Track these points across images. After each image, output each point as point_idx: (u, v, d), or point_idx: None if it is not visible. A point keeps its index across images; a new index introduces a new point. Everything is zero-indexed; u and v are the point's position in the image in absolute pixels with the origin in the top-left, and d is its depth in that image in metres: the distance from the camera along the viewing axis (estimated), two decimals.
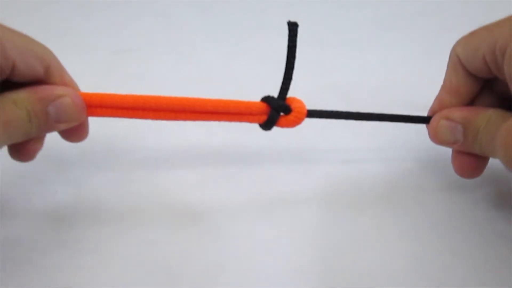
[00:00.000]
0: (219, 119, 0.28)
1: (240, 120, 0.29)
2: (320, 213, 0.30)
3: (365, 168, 0.33)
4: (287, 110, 0.29)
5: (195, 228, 0.29)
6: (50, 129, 0.26)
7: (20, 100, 0.24)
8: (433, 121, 0.28)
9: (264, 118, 0.29)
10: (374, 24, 0.46)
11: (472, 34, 0.26)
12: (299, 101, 0.29)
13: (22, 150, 0.26)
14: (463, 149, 0.27)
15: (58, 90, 0.25)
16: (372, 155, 0.34)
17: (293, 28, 0.27)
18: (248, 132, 0.32)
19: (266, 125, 0.29)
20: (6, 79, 0.24)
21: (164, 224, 0.29)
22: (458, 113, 0.27)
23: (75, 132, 0.27)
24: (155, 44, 0.44)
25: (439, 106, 0.29)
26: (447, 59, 0.28)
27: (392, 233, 0.29)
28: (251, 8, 0.48)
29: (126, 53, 0.44)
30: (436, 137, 0.28)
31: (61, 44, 0.42)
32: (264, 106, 0.29)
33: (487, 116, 0.26)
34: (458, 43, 0.27)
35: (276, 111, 0.28)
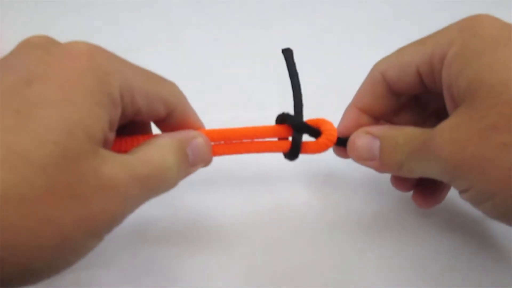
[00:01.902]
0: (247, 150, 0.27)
1: (268, 150, 0.27)
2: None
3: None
4: (317, 133, 0.26)
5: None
6: (185, 175, 0.24)
7: (166, 145, 0.23)
8: (353, 137, 0.27)
9: (287, 144, 0.27)
10: (374, 24, 0.46)
11: (400, 51, 0.26)
12: (329, 123, 0.27)
13: None
14: (380, 167, 0.26)
15: (192, 132, 0.25)
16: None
17: (288, 55, 0.27)
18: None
19: (293, 153, 0.27)
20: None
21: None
22: (376, 128, 0.26)
23: None
24: (155, 44, 0.44)
25: (352, 123, 0.27)
26: None
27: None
28: (252, 8, 0.48)
29: (126, 53, 0.43)
30: (353, 153, 0.27)
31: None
32: (285, 129, 0.27)
33: (408, 130, 0.25)
34: (382, 62, 0.26)
35: (299, 134, 0.26)
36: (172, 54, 0.42)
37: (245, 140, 0.27)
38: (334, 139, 0.26)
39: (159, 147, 0.22)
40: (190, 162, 0.24)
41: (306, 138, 0.27)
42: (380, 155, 0.25)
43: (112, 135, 0.22)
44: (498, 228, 0.29)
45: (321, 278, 0.28)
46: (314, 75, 0.40)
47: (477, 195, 0.22)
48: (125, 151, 0.22)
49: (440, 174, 0.23)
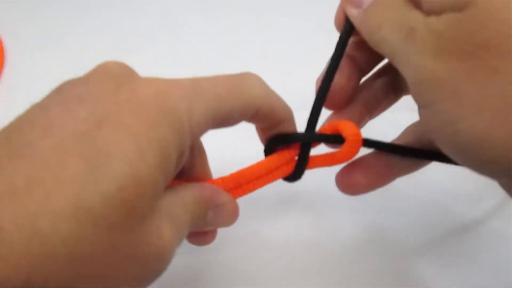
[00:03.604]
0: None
1: (272, 180, 0.24)
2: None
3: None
4: (340, 140, 0.23)
5: None
6: (197, 230, 0.23)
7: (189, 204, 0.21)
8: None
9: (291, 166, 0.24)
10: None
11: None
12: (351, 124, 0.23)
13: None
14: (359, 20, 0.23)
15: (221, 196, 0.23)
16: None
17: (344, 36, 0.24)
18: None
19: (297, 173, 0.24)
20: None
21: None
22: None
23: (205, 235, 0.25)
24: (155, 44, 0.44)
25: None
26: None
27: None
28: (252, 8, 0.48)
29: (126, 53, 0.43)
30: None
31: (61, 44, 0.43)
32: (290, 152, 0.24)
33: (402, 11, 0.21)
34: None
35: (306, 149, 0.23)
36: (172, 54, 0.42)
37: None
38: (360, 145, 0.23)
39: (184, 206, 0.21)
40: (208, 223, 0.22)
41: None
42: (366, 9, 0.22)
43: None
44: (498, 228, 0.29)
45: None
46: (314, 74, 0.40)
47: (440, 115, 0.19)
48: None
49: (409, 72, 0.20)
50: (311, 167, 0.24)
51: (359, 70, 0.26)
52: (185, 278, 0.28)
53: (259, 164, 0.24)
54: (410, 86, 0.20)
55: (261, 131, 0.25)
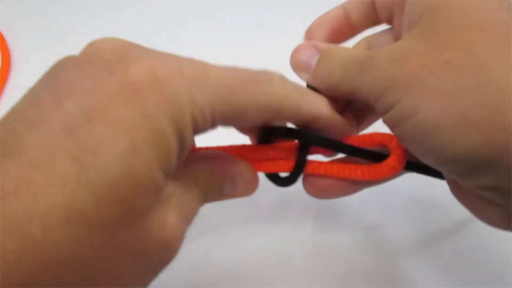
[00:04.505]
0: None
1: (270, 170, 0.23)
2: None
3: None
4: (381, 157, 0.21)
5: None
6: (213, 201, 0.22)
7: (200, 179, 0.20)
8: (298, 46, 0.25)
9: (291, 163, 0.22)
10: None
11: None
12: (395, 138, 0.21)
13: None
14: (311, 78, 0.23)
15: (236, 165, 0.21)
16: None
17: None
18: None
19: (293, 177, 0.23)
20: None
21: None
22: (323, 44, 0.24)
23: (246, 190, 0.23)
24: (155, 44, 0.43)
25: (333, 18, 0.26)
26: None
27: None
28: (252, 8, 0.48)
29: None
30: (292, 60, 0.24)
31: (61, 44, 0.43)
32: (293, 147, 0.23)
33: (352, 48, 0.23)
34: None
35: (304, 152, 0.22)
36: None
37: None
38: (404, 160, 0.21)
39: (194, 183, 0.20)
40: (225, 194, 0.21)
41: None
42: (315, 67, 0.23)
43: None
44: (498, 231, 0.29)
45: None
46: None
47: (400, 111, 0.19)
48: None
49: (370, 90, 0.20)
50: (334, 176, 0.22)
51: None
52: (186, 278, 0.28)
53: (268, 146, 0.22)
54: (376, 108, 0.20)
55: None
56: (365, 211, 0.31)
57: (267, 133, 0.22)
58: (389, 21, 0.26)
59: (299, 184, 0.25)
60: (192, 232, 0.30)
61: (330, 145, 0.22)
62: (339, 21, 0.26)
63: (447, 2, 0.19)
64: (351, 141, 0.22)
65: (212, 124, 0.19)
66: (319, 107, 0.22)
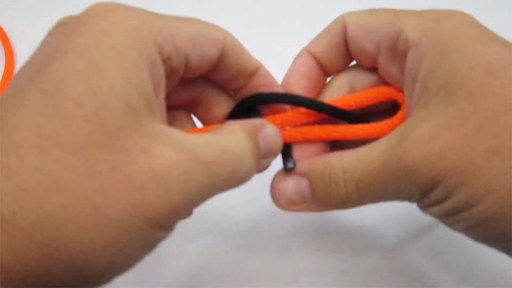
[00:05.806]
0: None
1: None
2: None
3: None
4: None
5: None
6: (257, 169, 0.21)
7: (237, 129, 0.20)
8: (275, 181, 0.24)
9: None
10: None
11: (372, 13, 0.23)
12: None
13: None
14: (316, 208, 0.23)
15: (257, 120, 0.22)
16: None
17: None
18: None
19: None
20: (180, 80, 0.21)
21: None
22: (298, 166, 0.23)
23: None
24: None
25: (302, 67, 0.25)
26: None
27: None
28: (253, 8, 0.48)
29: None
30: (279, 200, 0.24)
31: None
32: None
33: (349, 155, 0.22)
34: (350, 14, 0.24)
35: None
36: None
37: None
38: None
39: (229, 131, 0.20)
40: (262, 154, 0.21)
41: None
42: (312, 194, 0.22)
43: (162, 103, 0.19)
44: None
45: None
46: None
47: (455, 204, 0.19)
48: None
49: (413, 191, 0.20)
50: (349, 138, 0.23)
51: None
52: (186, 278, 0.28)
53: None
54: (418, 204, 0.21)
55: (233, 90, 0.24)
56: (365, 210, 0.31)
57: (242, 105, 0.23)
58: (367, 63, 0.25)
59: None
60: (192, 232, 0.30)
61: (313, 105, 0.23)
62: (313, 71, 0.25)
63: (468, 82, 0.19)
64: (355, 97, 0.23)
65: (178, 51, 0.20)
66: (258, 62, 0.23)
